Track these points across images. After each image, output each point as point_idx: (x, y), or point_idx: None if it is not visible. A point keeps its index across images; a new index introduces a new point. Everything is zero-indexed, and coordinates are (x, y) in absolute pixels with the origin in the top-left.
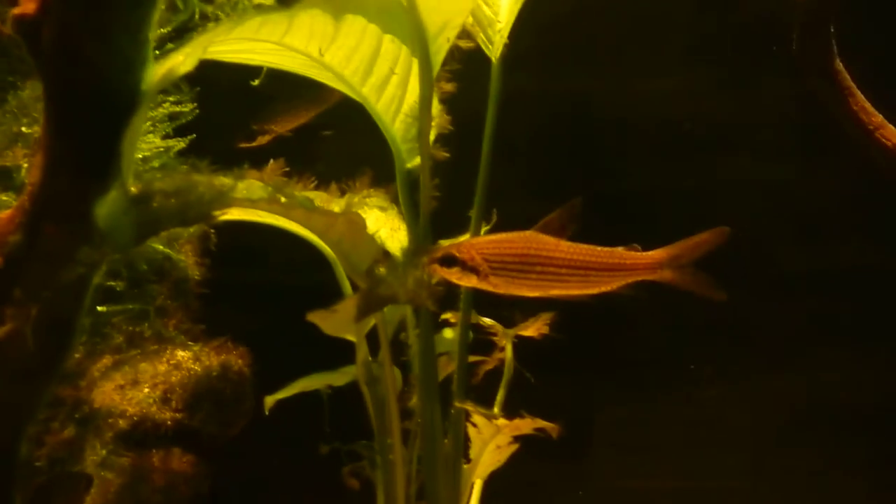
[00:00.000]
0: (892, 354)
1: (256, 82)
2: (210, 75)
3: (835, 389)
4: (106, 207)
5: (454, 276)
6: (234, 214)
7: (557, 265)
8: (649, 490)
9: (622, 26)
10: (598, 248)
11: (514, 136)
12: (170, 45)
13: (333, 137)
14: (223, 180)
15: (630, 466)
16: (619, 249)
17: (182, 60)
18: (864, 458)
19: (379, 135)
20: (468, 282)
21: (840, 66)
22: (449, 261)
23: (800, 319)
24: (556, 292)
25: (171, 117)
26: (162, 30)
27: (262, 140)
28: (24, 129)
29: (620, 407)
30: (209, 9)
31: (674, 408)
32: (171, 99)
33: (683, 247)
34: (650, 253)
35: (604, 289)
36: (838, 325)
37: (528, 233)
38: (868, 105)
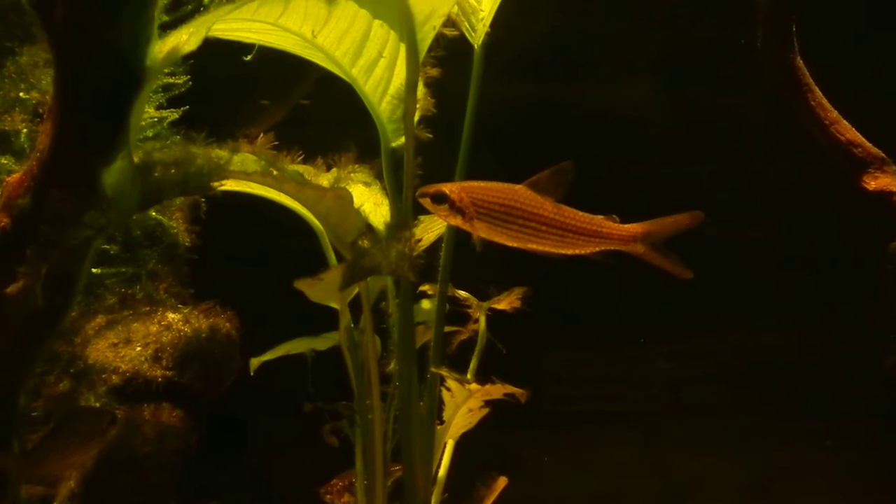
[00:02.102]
0: (808, 323)
1: (248, 58)
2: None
3: (749, 350)
4: (113, 176)
5: (441, 213)
6: (228, 185)
7: (539, 221)
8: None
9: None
10: (580, 213)
11: (496, 132)
12: (165, 17)
13: (322, 114)
14: (219, 153)
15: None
16: (599, 217)
17: (186, 39)
18: (771, 404)
19: (365, 114)
20: (453, 221)
21: (800, 63)
22: (439, 198)
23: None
24: (532, 247)
25: (165, 88)
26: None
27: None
28: (21, 94)
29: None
30: None
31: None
32: (164, 70)
33: (659, 224)
34: (627, 226)
35: (577, 252)
36: (763, 297)
37: (518, 186)
38: (825, 101)
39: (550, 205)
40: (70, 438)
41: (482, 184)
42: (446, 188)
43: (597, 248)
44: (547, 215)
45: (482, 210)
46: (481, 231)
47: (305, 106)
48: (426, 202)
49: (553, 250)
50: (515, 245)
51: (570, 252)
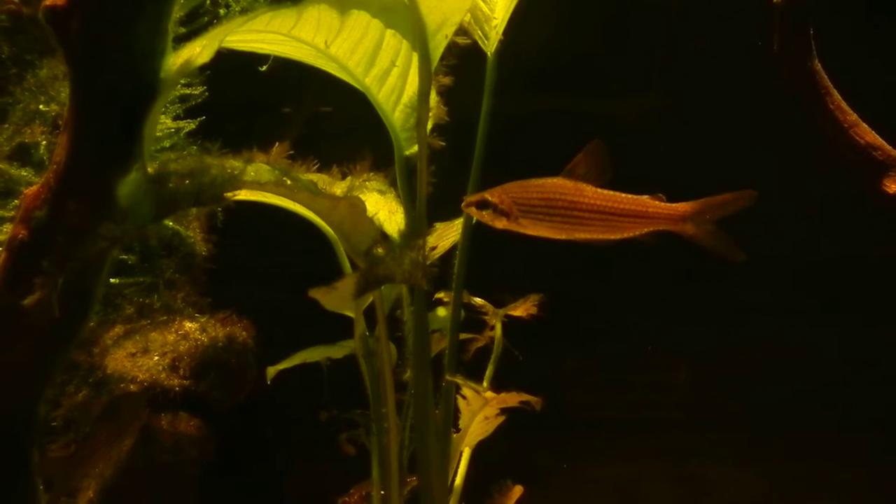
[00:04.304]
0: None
1: (264, 68)
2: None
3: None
4: (127, 187)
5: (486, 218)
6: (242, 195)
7: (581, 209)
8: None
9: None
10: (622, 195)
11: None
12: (182, 29)
13: (336, 123)
14: (233, 163)
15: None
16: (644, 198)
17: (199, 52)
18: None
19: (379, 122)
20: (500, 224)
21: (818, 66)
22: (482, 204)
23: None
24: (580, 235)
25: (182, 99)
26: (175, 13)
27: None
28: (41, 106)
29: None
30: None
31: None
32: (182, 81)
33: (709, 203)
34: (675, 205)
35: (626, 235)
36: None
37: (556, 178)
38: (843, 104)
39: (590, 190)
40: (113, 429)
41: (520, 182)
42: (487, 194)
43: (644, 230)
44: (587, 201)
45: (524, 208)
46: (528, 229)
47: (322, 115)
48: (472, 211)
49: (601, 236)
50: (564, 237)
51: (618, 236)
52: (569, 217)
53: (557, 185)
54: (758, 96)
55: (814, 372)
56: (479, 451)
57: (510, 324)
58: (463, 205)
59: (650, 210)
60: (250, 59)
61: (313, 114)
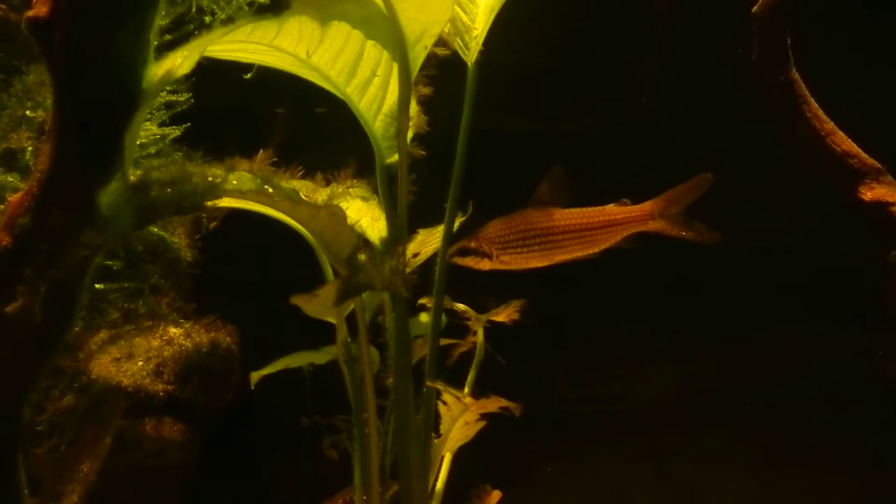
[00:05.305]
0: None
1: (248, 76)
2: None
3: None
4: (108, 196)
5: (471, 262)
6: (224, 203)
7: (555, 233)
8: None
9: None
10: (589, 209)
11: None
12: (167, 37)
13: (322, 130)
14: (215, 171)
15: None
16: (610, 206)
17: (180, 63)
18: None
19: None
20: (486, 266)
21: (796, 75)
22: (464, 251)
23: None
24: (561, 258)
25: (168, 106)
26: (161, 21)
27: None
28: (28, 112)
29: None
30: (205, 2)
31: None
32: (167, 88)
33: (670, 196)
34: (639, 205)
35: (603, 245)
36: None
37: (525, 210)
38: (821, 112)
39: (559, 213)
40: (97, 428)
41: (494, 222)
42: (465, 241)
43: (619, 236)
44: (559, 224)
45: (500, 246)
46: (511, 264)
47: (316, 116)
48: (458, 260)
49: (581, 253)
50: (546, 263)
51: (596, 249)
52: (546, 243)
53: (526, 216)
54: (737, 106)
55: (807, 375)
56: (466, 455)
57: (496, 328)
58: (447, 257)
59: (619, 216)
60: (238, 66)
61: (302, 119)
